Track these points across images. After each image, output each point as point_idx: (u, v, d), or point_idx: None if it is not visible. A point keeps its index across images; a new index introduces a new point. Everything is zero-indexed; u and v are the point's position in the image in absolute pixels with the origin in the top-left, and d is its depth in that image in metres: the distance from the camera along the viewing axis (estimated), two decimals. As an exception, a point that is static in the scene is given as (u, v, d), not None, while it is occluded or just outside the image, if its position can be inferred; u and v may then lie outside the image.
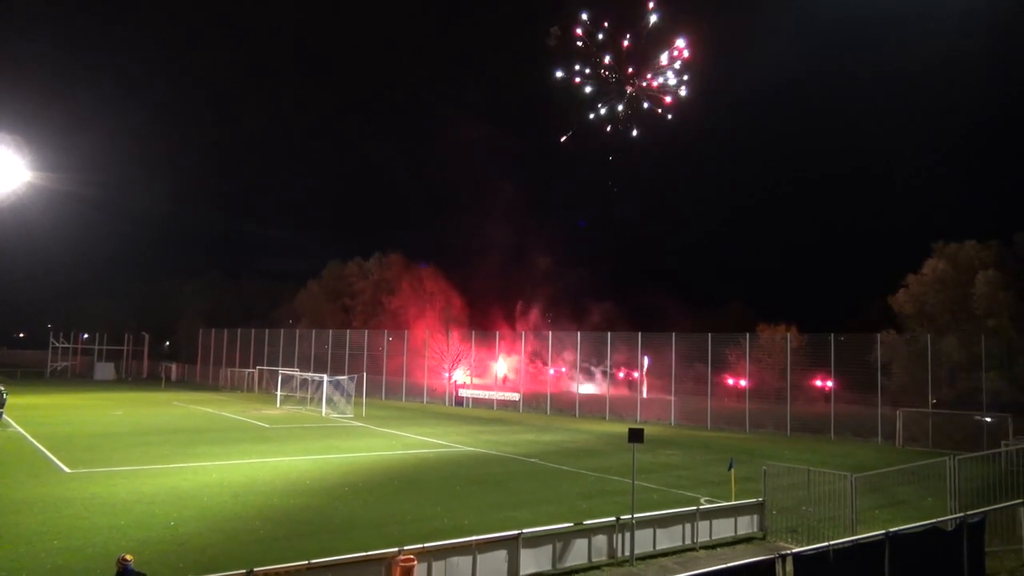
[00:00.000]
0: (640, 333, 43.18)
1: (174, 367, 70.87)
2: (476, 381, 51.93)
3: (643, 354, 43.00)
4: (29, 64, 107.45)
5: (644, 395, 43.24)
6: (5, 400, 31.32)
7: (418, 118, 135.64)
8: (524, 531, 11.57)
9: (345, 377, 40.92)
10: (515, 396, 47.42)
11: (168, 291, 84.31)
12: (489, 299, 64.78)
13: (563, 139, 43.22)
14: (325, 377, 40.44)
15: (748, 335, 40.01)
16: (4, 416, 30.63)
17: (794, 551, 10.22)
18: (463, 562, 10.81)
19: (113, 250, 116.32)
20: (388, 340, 55.61)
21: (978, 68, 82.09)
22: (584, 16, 39.56)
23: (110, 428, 29.23)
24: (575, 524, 12.53)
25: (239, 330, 64.94)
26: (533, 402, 46.64)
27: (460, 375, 52.29)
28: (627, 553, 12.59)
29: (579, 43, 39.15)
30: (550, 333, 50.25)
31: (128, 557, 8.27)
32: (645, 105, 40.03)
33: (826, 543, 10.60)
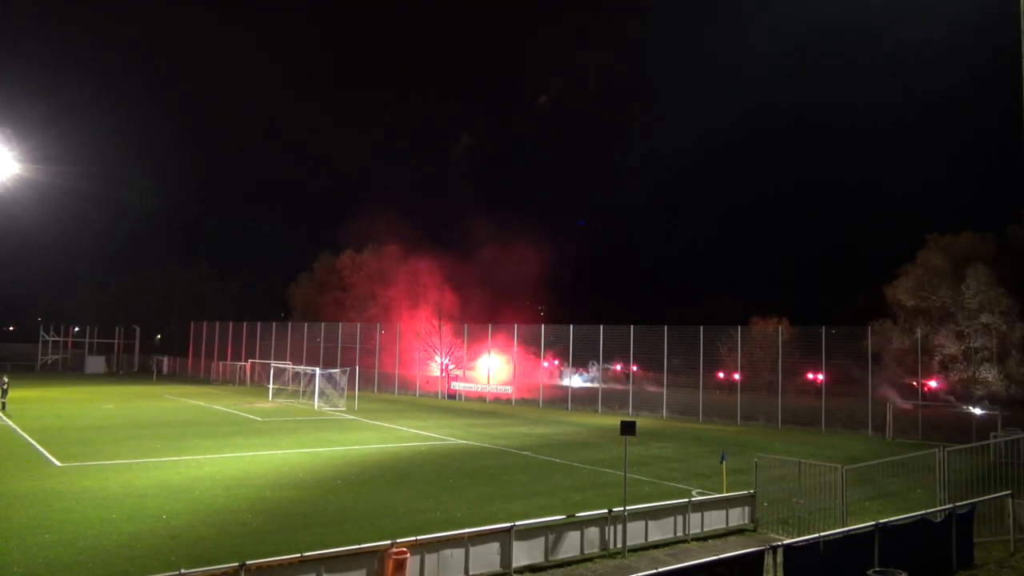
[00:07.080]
0: (632, 326, 43.22)
1: (165, 360, 70.44)
2: (469, 374, 51.95)
3: (635, 347, 43.06)
4: (17, 55, 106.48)
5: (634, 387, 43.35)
6: (7, 390, 31.35)
7: (412, 110, 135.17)
8: (517, 523, 11.59)
9: (337, 370, 40.83)
10: (508, 389, 47.47)
11: (159, 284, 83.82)
12: (482, 292, 64.76)
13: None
14: (317, 370, 40.35)
15: (740, 328, 40.15)
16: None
17: (784, 542, 10.30)
18: (456, 554, 10.84)
19: (103, 243, 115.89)
20: (381, 333, 55.53)
21: (973, 60, 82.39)
22: None
23: (101, 421, 29.10)
24: (567, 516, 12.56)
25: (231, 323, 64.59)
26: (526, 395, 46.71)
27: (452, 368, 52.30)
28: (619, 545, 12.66)
29: None
30: (543, 327, 50.28)
31: None
32: None
33: (816, 535, 10.68)
